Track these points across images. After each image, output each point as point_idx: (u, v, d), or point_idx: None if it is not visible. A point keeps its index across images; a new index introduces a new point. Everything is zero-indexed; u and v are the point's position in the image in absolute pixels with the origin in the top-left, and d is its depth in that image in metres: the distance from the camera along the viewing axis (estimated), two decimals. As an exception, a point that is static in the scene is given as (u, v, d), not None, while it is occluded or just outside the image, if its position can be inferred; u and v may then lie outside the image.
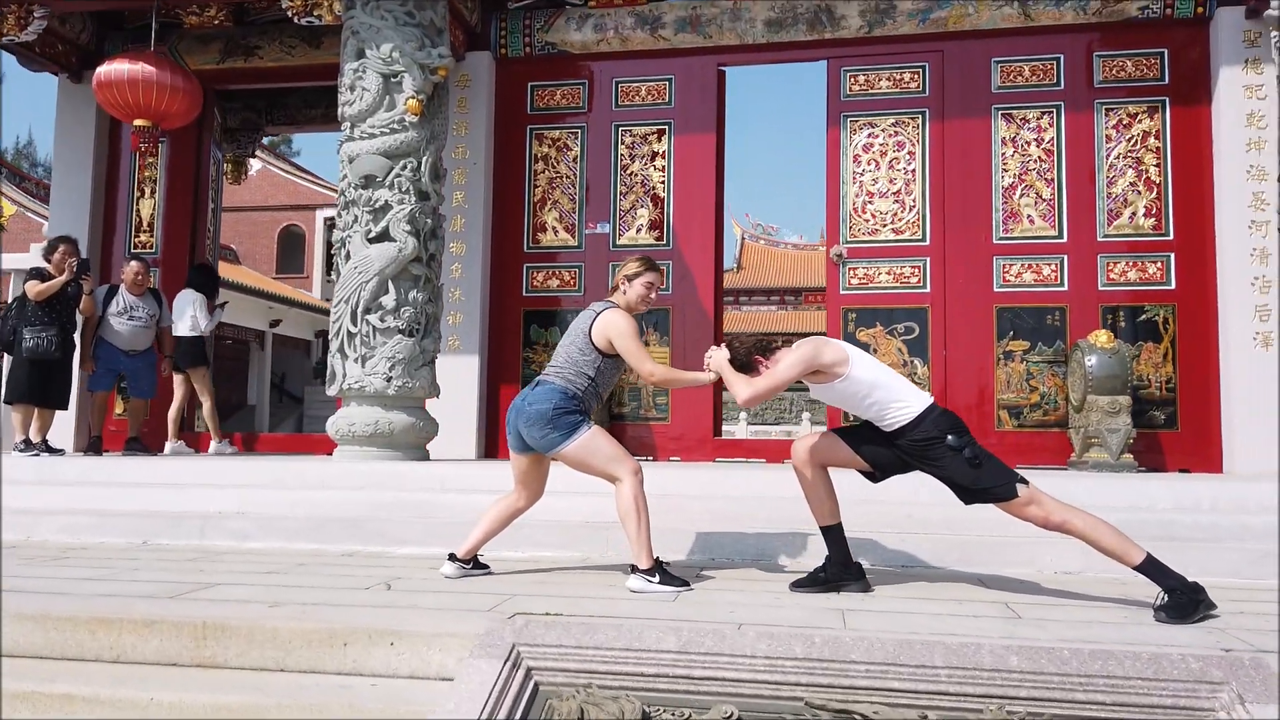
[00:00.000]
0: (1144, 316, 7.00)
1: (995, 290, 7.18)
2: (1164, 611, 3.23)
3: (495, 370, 7.78)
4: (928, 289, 7.25)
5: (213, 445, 7.80)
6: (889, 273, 7.34)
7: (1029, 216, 7.19)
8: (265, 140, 11.54)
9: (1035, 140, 7.23)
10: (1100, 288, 7.05)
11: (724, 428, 22.00)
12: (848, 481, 5.32)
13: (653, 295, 4.06)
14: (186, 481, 5.76)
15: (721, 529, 4.76)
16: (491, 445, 7.72)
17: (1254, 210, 6.69)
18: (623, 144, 7.79)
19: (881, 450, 3.73)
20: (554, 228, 7.84)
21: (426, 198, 6.42)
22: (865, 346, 7.27)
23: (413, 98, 6.29)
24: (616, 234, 7.74)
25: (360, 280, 6.20)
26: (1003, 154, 7.26)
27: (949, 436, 3.54)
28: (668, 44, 7.66)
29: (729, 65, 7.77)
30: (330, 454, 6.43)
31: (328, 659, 3.00)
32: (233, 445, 8.03)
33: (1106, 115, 7.15)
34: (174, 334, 7.75)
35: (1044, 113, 7.23)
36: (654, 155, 7.73)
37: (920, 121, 7.39)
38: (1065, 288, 7.09)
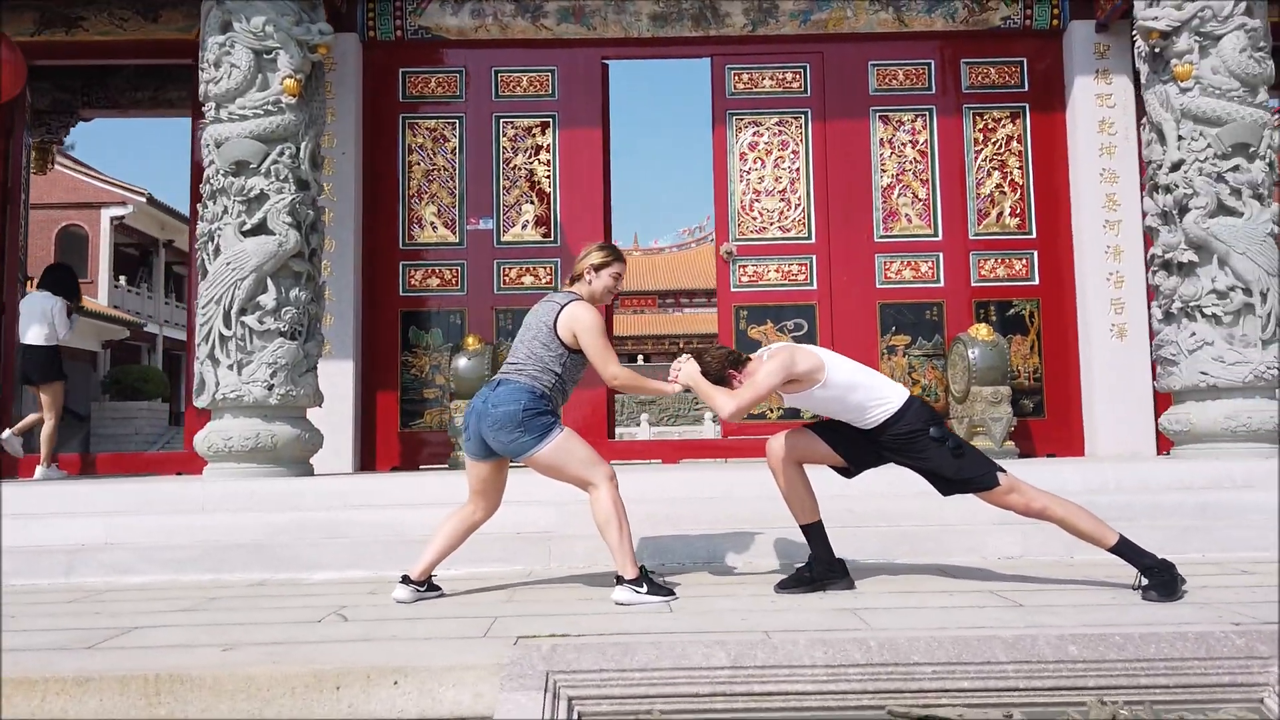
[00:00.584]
0: (1012, 311, 7.40)
1: (878, 287, 7.38)
2: (1153, 591, 3.33)
3: (371, 376, 7.24)
4: (814, 286, 7.36)
5: (39, 470, 6.83)
6: (777, 270, 7.39)
7: (907, 216, 7.44)
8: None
9: (911, 142, 7.48)
10: (973, 284, 7.39)
11: (624, 430, 21.78)
12: (770, 479, 5.27)
13: (618, 288, 3.83)
14: (36, 510, 4.97)
15: (666, 533, 4.56)
16: (368, 457, 7.18)
17: (1107, 210, 7.20)
18: (505, 136, 7.45)
19: (858, 445, 3.67)
20: (432, 223, 7.39)
21: (306, 187, 5.87)
22: (756, 344, 7.29)
23: (290, 77, 5.73)
24: (501, 230, 7.39)
25: (235, 278, 5.58)
26: (881, 155, 7.47)
27: (931, 429, 3.52)
28: (550, 34, 7.40)
29: (613, 59, 7.60)
30: (188, 474, 5.76)
31: (317, 706, 2.58)
32: (59, 469, 7.06)
33: (974, 120, 7.51)
34: (25, 342, 6.77)
35: (918, 115, 7.50)
36: (538, 149, 7.44)
37: (803, 121, 7.49)
38: (941, 284, 7.38)
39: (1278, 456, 5.43)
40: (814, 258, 7.37)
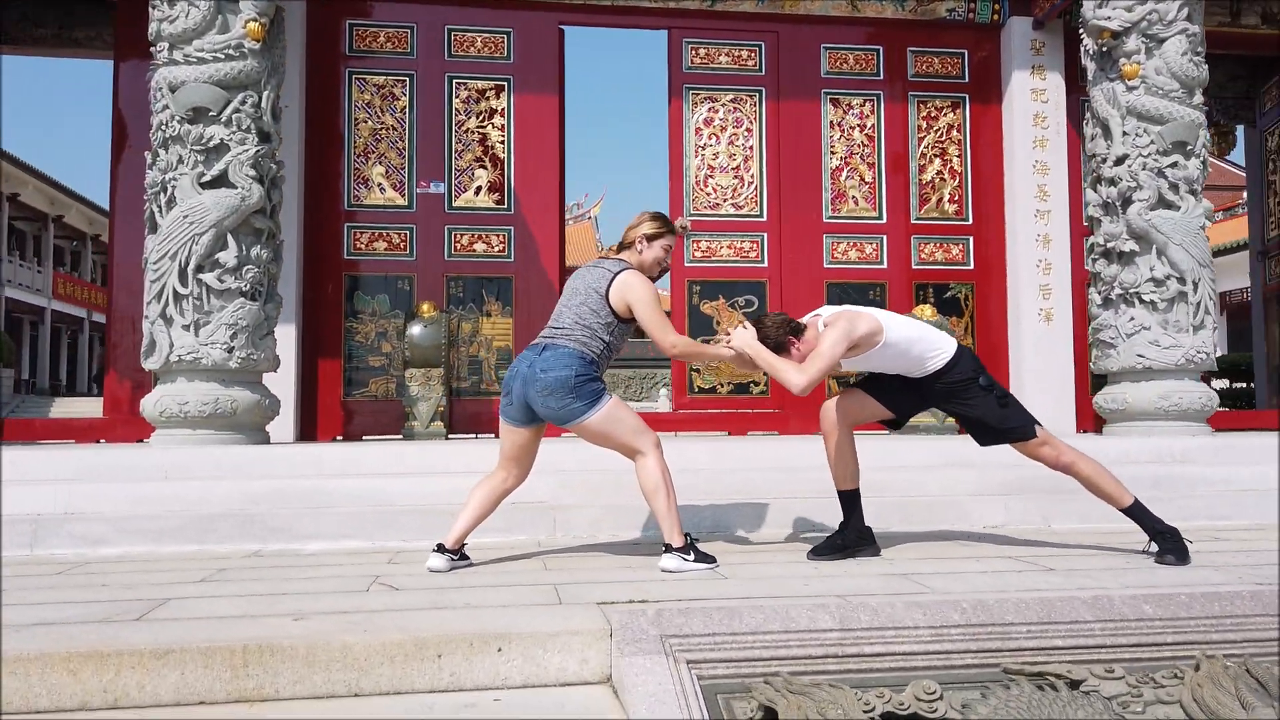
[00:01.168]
0: (949, 294, 7.71)
1: (825, 266, 7.55)
2: (1169, 555, 3.54)
3: (313, 342, 6.92)
4: (766, 264, 7.47)
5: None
6: (730, 247, 7.45)
7: (854, 198, 7.63)
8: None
9: (859, 126, 7.67)
10: (914, 266, 7.65)
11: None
12: (754, 451, 5.35)
13: (668, 261, 3.77)
14: (-22, 478, 4.54)
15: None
16: (308, 426, 6.87)
17: (1038, 201, 7.58)
18: (457, 98, 7.22)
19: (903, 396, 3.76)
20: (380, 184, 7.10)
21: (269, 139, 5.54)
22: (708, 319, 7.37)
23: (255, 20, 5.38)
24: (452, 195, 7.18)
25: (193, 232, 5.22)
26: (831, 137, 7.63)
27: (980, 378, 3.66)
28: (507, -6, 7.21)
29: (570, 24, 7.46)
30: (118, 440, 5.38)
31: (417, 676, 2.47)
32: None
33: (918, 107, 7.75)
34: None
35: (866, 100, 7.69)
36: (492, 112, 7.25)
37: (758, 100, 7.56)
38: (885, 266, 7.62)
39: (1207, 434, 5.89)
40: (765, 235, 7.47)
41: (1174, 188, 6.12)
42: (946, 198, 7.74)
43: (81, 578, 3.45)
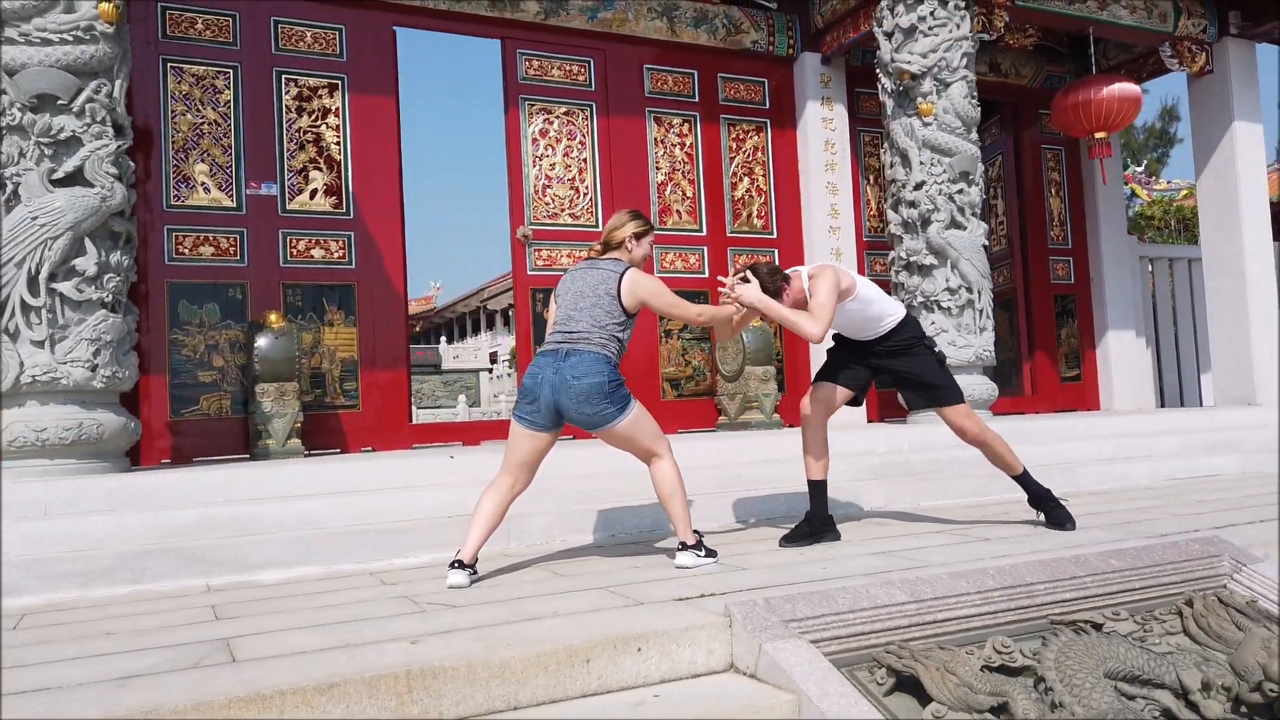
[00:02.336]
0: (759, 300, 8.40)
1: (657, 276, 7.95)
2: (1056, 524, 4.24)
3: (132, 356, 6.23)
4: (603, 272, 7.73)
5: None
6: (570, 256, 7.65)
7: (678, 211, 8.12)
8: None
9: (680, 144, 8.17)
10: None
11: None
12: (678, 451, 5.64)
13: (649, 257, 3.98)
14: None
15: (607, 506, 4.74)
16: (131, 450, 6.17)
17: (831, 218, 8.49)
18: (288, 94, 6.82)
19: (855, 369, 4.23)
20: (204, 184, 6.54)
21: (124, 132, 4.99)
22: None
23: (107, 0, 4.83)
24: (286, 197, 6.76)
25: (44, 236, 4.59)
26: (656, 153, 8.07)
27: (925, 338, 4.21)
28: (340, -10, 6.91)
29: (403, 26, 7.28)
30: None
31: (569, 682, 2.53)
32: None
33: (729, 129, 8.40)
34: None
35: (685, 120, 8.21)
36: (326, 112, 6.92)
37: (589, 113, 7.82)
38: (706, 275, 8.17)
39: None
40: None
41: (961, 211, 7.18)
42: (755, 213, 8.45)
43: (61, 629, 3.04)
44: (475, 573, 3.58)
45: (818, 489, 4.26)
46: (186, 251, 6.46)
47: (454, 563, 3.50)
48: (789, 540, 4.11)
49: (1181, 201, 17.75)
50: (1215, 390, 9.33)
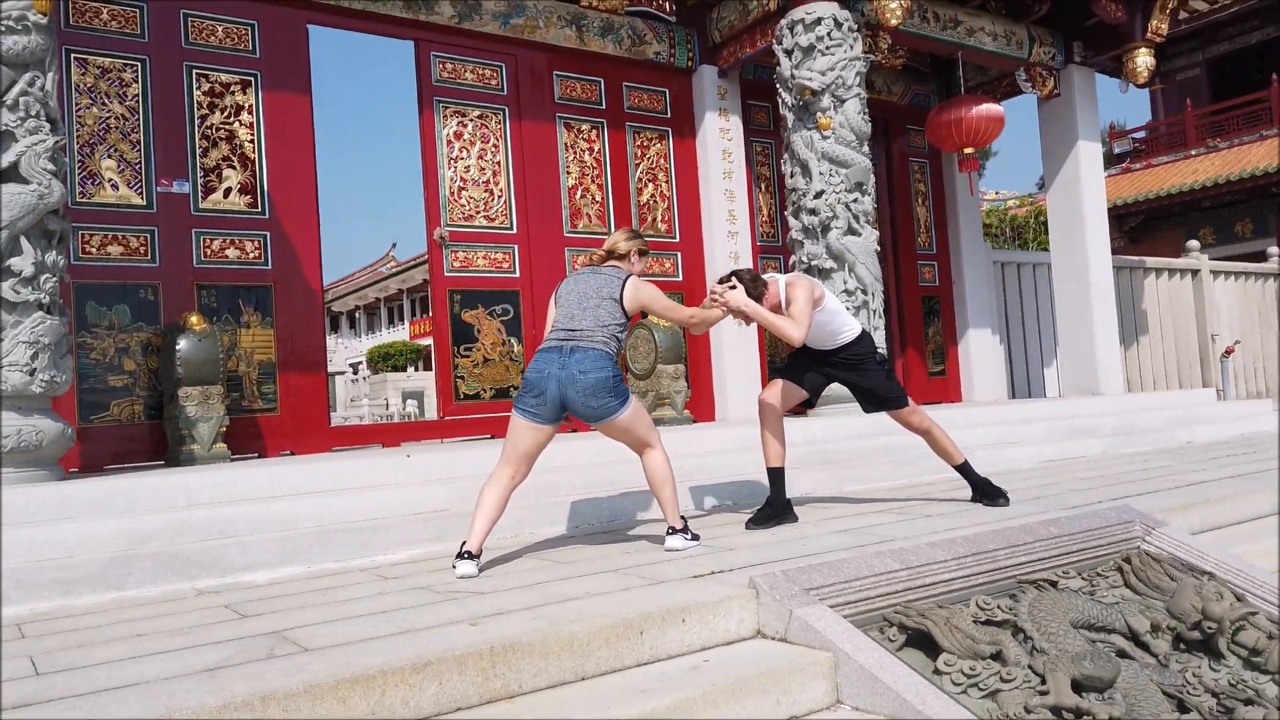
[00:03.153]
0: (663, 302, 8.73)
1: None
2: (988, 500, 4.74)
3: (38, 360, 5.91)
4: (518, 274, 7.88)
5: None
6: (485, 258, 7.75)
7: (588, 215, 8.35)
8: None
9: (589, 149, 8.40)
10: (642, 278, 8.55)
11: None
12: (598, 447, 5.88)
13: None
14: None
15: (569, 499, 4.92)
16: (36, 459, 5.87)
17: (729, 222, 8.93)
18: (199, 90, 6.62)
19: (813, 375, 4.58)
20: (112, 181, 6.28)
21: (58, 128, 4.79)
22: (470, 327, 7.62)
23: (40, -11, 4.64)
24: (199, 195, 6.57)
25: (-22, 233, 4.38)
26: (566, 158, 8.26)
27: (875, 355, 4.60)
28: (253, -15, 6.77)
29: (316, 24, 7.19)
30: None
31: (628, 653, 2.74)
32: None
33: (634, 136, 8.69)
34: None
35: (593, 126, 8.45)
36: (239, 109, 6.76)
37: (502, 118, 7.94)
38: (613, 277, 8.42)
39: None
40: (516, 248, 7.89)
41: (857, 218, 7.73)
42: (660, 217, 8.78)
43: (80, 635, 2.99)
44: (479, 563, 3.72)
45: (777, 475, 4.60)
46: (94, 251, 6.19)
47: (462, 553, 3.63)
48: (755, 523, 4.43)
49: (1016, 211, 19.33)
50: (1063, 382, 10.36)
